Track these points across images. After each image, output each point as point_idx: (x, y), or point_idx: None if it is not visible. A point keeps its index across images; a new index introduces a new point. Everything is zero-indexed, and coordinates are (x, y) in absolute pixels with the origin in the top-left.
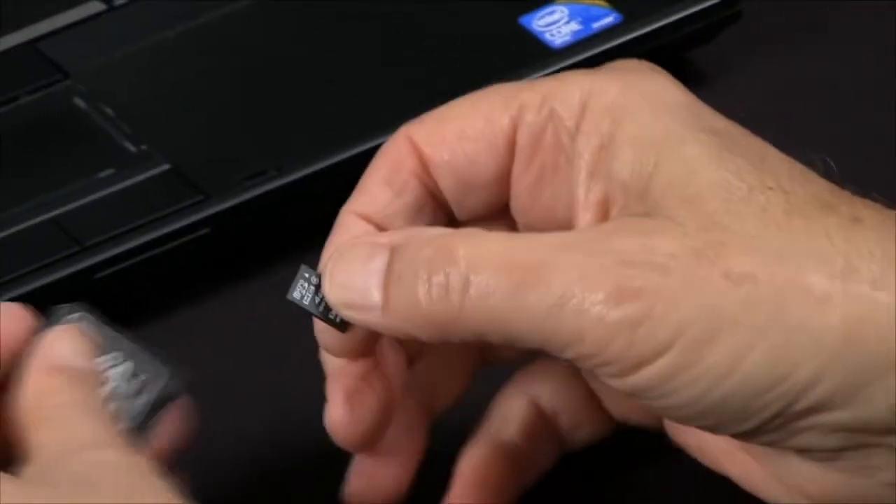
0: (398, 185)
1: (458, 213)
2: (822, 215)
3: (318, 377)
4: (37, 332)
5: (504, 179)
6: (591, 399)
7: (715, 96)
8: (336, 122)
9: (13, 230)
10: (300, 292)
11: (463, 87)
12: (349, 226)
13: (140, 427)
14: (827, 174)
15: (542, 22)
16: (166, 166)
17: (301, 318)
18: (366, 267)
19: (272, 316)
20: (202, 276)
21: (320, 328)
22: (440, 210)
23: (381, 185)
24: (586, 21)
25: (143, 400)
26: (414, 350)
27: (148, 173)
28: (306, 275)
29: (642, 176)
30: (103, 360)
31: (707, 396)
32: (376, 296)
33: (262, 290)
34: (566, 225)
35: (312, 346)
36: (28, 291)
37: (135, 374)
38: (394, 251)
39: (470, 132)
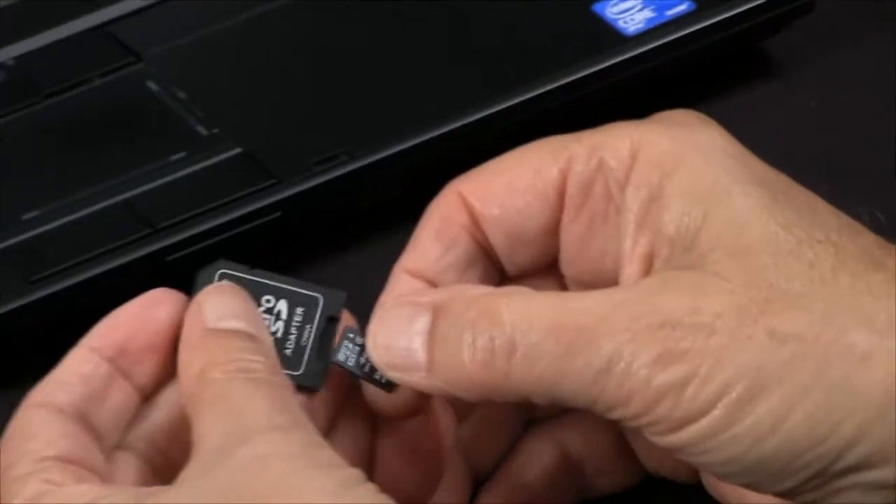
0: (448, 240)
1: (509, 267)
2: (870, 271)
3: None
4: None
5: (553, 232)
6: (622, 448)
7: (785, 87)
8: (407, 107)
9: (86, 212)
10: (345, 354)
11: (535, 75)
12: (399, 284)
13: (312, 360)
14: (875, 228)
15: (615, 9)
16: (238, 150)
17: (370, 303)
18: (409, 328)
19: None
20: (273, 260)
21: (368, 388)
22: (491, 265)
23: (432, 241)
24: (660, 9)
25: (307, 333)
26: (464, 408)
27: (220, 157)
28: (350, 335)
29: (690, 230)
30: (258, 311)
31: (749, 455)
32: (420, 357)
33: (333, 273)
34: (613, 277)
35: None
36: (100, 273)
37: (291, 312)
38: (437, 311)
39: (519, 185)
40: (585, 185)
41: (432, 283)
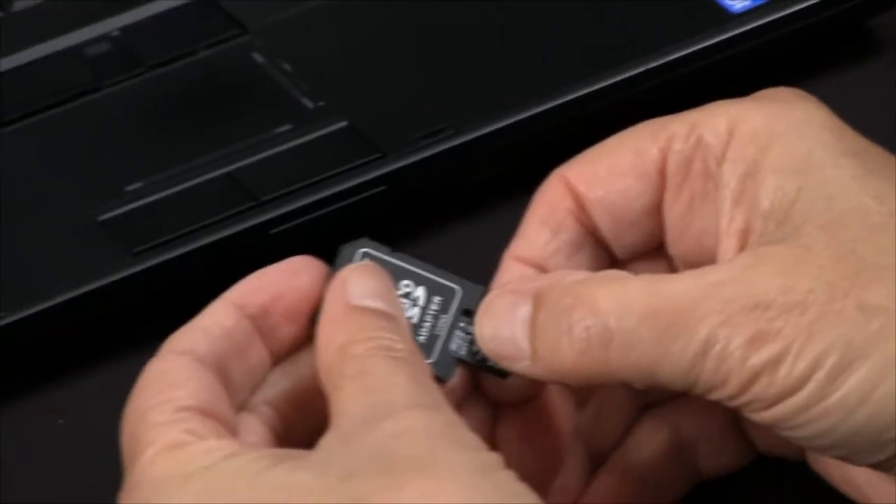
0: (555, 225)
1: (617, 250)
2: None
3: None
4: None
5: (657, 211)
6: (734, 429)
7: (890, 67)
8: (514, 81)
9: (190, 184)
10: (457, 343)
11: (639, 52)
12: (508, 271)
13: (444, 350)
14: None
15: None
16: (343, 123)
17: (478, 276)
18: (511, 317)
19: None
20: (377, 233)
21: (484, 376)
22: (599, 248)
23: (539, 227)
24: None
25: (442, 323)
26: (582, 394)
27: (325, 130)
28: (461, 325)
29: (783, 204)
30: (398, 293)
31: (840, 427)
32: (524, 345)
33: (438, 248)
34: (715, 254)
35: None
36: (203, 246)
37: (428, 300)
38: (537, 300)
39: (621, 167)
40: (685, 162)
41: (542, 269)
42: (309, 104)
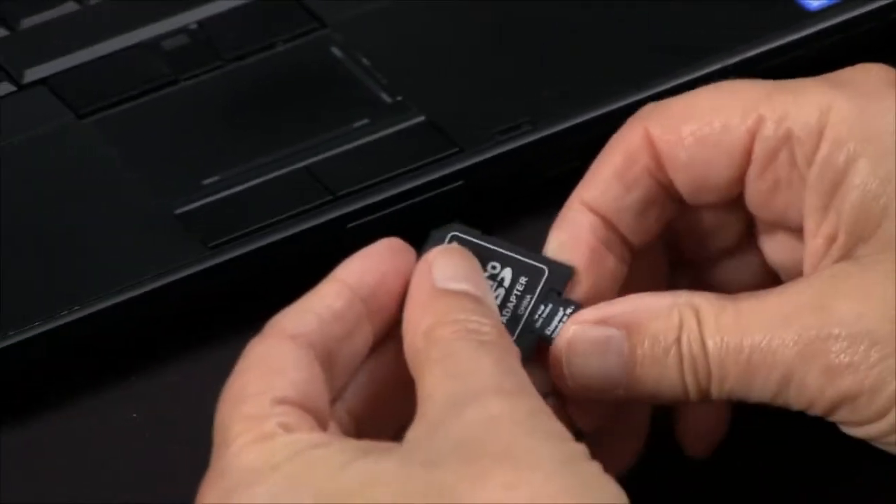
0: (630, 181)
1: (691, 202)
2: None
3: None
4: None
5: (738, 181)
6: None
7: None
8: (591, 76)
9: (268, 177)
10: (540, 323)
11: (719, 48)
12: (576, 219)
13: (525, 330)
14: None
15: None
16: (421, 118)
17: None
18: (603, 352)
19: None
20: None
21: None
22: (669, 201)
23: (613, 179)
24: None
25: (526, 303)
26: None
27: (403, 125)
28: (546, 304)
29: (869, 223)
30: (484, 275)
31: None
32: (619, 377)
33: (514, 242)
34: (798, 227)
35: None
36: (279, 240)
37: (514, 280)
38: (630, 331)
39: (707, 136)
40: (772, 151)
41: (607, 221)
42: (387, 98)
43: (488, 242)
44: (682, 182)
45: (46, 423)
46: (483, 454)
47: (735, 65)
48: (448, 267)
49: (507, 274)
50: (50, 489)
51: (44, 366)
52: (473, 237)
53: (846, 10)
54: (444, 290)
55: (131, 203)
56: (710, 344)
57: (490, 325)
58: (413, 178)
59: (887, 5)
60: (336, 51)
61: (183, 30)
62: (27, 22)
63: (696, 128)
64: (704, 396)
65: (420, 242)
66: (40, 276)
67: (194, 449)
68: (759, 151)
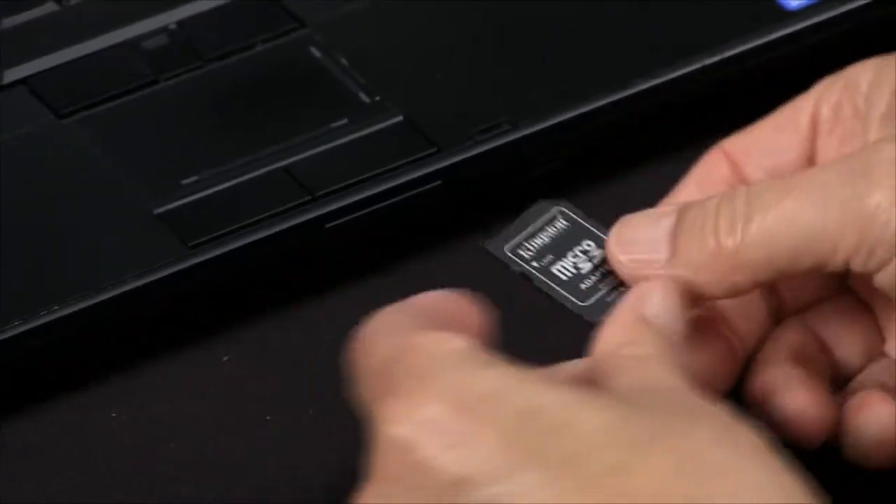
0: (708, 187)
1: None
2: None
3: (548, 337)
4: None
5: (810, 157)
6: (875, 338)
7: None
8: (570, 77)
9: (245, 178)
10: (613, 297)
11: (698, 47)
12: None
13: (604, 299)
14: None
15: None
16: (399, 118)
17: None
18: (654, 225)
19: (503, 271)
20: (433, 229)
21: None
22: None
23: (691, 187)
24: None
25: (610, 279)
26: None
27: (381, 124)
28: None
29: None
30: (577, 248)
31: None
32: (663, 247)
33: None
34: None
35: (538, 302)
36: (258, 240)
37: (604, 259)
38: (682, 209)
39: (777, 124)
40: (836, 105)
41: None
42: (365, 99)
43: (587, 223)
44: (756, 172)
45: (25, 424)
46: (687, 411)
47: (715, 64)
48: (659, 299)
49: (598, 252)
50: (28, 489)
51: (23, 365)
52: (577, 216)
53: (825, 10)
54: (647, 320)
55: (111, 203)
56: (755, 203)
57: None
58: (391, 178)
59: (866, 5)
60: (315, 51)
61: (163, 30)
62: (7, 22)
63: (766, 128)
64: (740, 261)
65: (401, 244)
66: (19, 275)
67: (175, 448)
68: (824, 113)
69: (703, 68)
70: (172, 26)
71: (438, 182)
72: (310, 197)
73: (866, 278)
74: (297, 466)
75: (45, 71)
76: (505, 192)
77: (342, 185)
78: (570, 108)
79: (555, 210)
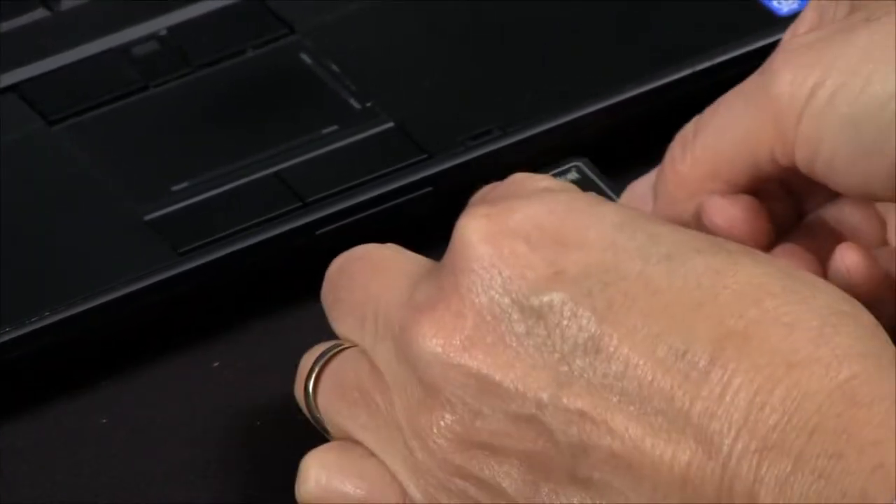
0: None
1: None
2: None
3: None
4: None
5: None
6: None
7: None
8: (561, 83)
9: (236, 184)
10: None
11: (688, 52)
12: None
13: None
14: None
15: None
16: (390, 124)
17: None
18: (647, 178)
19: None
20: (424, 235)
21: None
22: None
23: None
24: None
25: None
26: None
27: (372, 131)
28: None
29: None
30: None
31: None
32: (649, 197)
33: None
34: None
35: None
36: (249, 246)
37: None
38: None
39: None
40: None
41: None
42: (356, 105)
43: (605, 184)
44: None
45: (15, 429)
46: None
47: (706, 70)
48: None
49: None
50: (19, 494)
51: (14, 371)
52: (595, 176)
53: None
54: None
55: (101, 209)
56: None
57: None
58: (382, 184)
59: None
60: (305, 57)
61: (153, 36)
62: None
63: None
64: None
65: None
66: (9, 282)
67: (165, 453)
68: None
69: (694, 74)
70: (163, 32)
71: (429, 188)
72: (300, 203)
73: (810, 175)
74: (288, 472)
75: (35, 77)
76: None
77: (333, 191)
78: (560, 115)
79: (571, 166)
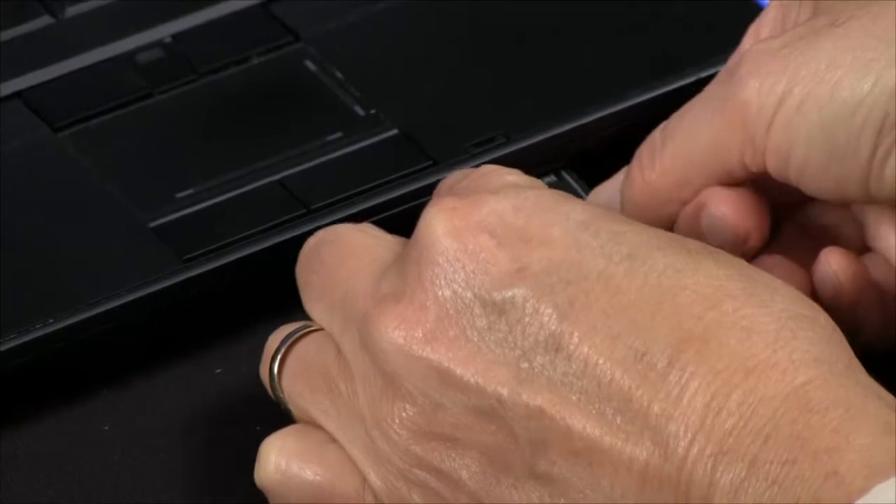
0: None
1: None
2: None
3: None
4: None
5: None
6: None
7: None
8: (564, 90)
9: (240, 191)
10: None
11: (691, 59)
12: None
13: None
14: None
15: None
16: (395, 131)
17: None
18: (613, 181)
19: None
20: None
21: None
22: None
23: None
24: None
25: None
26: None
27: (376, 138)
28: None
29: None
30: None
31: None
32: (616, 200)
33: None
34: None
35: None
36: (253, 253)
37: None
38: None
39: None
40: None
41: None
42: (360, 112)
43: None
44: None
45: (18, 435)
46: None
47: (708, 77)
48: None
49: None
50: (21, 501)
51: (17, 378)
52: (577, 185)
53: None
54: None
55: (105, 216)
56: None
57: None
58: (386, 191)
59: None
60: (310, 64)
61: (157, 43)
62: (2, 35)
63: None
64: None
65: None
66: (14, 289)
67: (167, 459)
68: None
69: (699, 80)
70: (167, 40)
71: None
72: (305, 210)
73: (783, 181)
74: None
75: (40, 84)
76: None
77: (337, 198)
78: (564, 122)
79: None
